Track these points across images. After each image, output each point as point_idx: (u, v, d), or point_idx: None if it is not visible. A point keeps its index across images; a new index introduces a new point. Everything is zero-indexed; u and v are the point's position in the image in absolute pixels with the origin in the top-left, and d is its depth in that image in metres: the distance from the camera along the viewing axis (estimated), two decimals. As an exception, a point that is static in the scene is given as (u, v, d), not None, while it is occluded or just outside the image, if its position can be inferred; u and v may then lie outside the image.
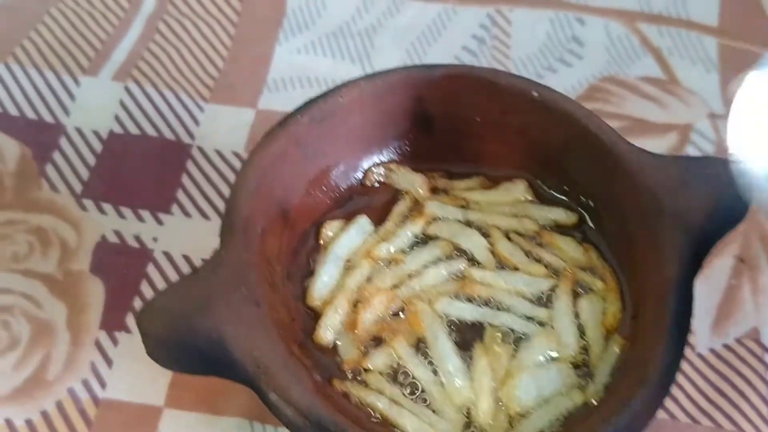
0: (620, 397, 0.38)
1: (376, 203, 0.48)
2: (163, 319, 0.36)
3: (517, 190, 0.47)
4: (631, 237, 0.44)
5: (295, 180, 0.44)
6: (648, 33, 0.72)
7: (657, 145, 0.65)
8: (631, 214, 0.44)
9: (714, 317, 0.56)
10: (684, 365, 0.54)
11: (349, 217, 0.47)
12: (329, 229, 0.46)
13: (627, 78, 0.70)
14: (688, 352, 0.55)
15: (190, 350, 0.36)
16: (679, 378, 0.54)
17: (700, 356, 0.55)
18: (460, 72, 0.46)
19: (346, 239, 0.44)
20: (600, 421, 0.37)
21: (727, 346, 0.55)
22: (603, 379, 0.42)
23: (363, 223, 0.46)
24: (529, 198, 0.48)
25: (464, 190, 0.48)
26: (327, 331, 0.41)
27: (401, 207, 0.47)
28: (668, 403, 0.53)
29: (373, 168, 0.48)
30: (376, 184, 0.48)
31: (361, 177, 0.48)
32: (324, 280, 0.42)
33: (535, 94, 0.46)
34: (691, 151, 0.66)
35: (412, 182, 0.48)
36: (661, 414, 0.52)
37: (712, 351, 0.55)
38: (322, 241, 0.46)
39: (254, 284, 0.38)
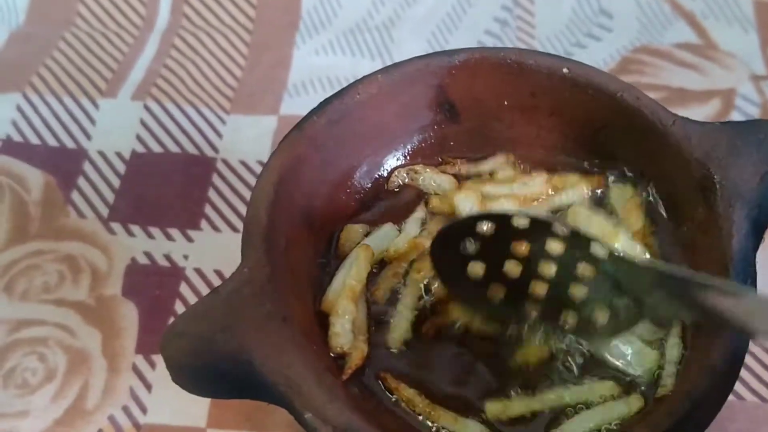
0: (686, 389, 0.35)
1: (404, 203, 0.45)
2: (185, 344, 0.34)
3: (535, 184, 0.45)
4: (685, 213, 0.41)
5: (317, 184, 0.42)
6: (679, -3, 0.69)
7: (700, 113, 0.62)
8: (681, 189, 0.41)
9: (777, 290, 0.53)
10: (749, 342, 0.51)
11: (375, 220, 0.44)
12: (350, 234, 0.44)
13: (661, 46, 0.67)
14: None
15: (216, 374, 0.35)
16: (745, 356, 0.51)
17: (766, 332, 0.52)
18: (482, 55, 0.44)
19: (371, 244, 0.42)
20: (665, 415, 0.34)
21: (793, 320, 0.52)
22: (671, 368, 0.39)
23: (387, 230, 0.44)
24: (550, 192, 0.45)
25: (490, 179, 0.45)
26: (338, 338, 0.39)
27: (419, 214, 0.45)
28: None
29: (396, 171, 0.46)
30: (396, 189, 0.46)
31: (386, 176, 0.46)
32: (334, 287, 0.40)
33: (566, 70, 0.43)
34: (736, 116, 0.62)
35: (439, 183, 0.46)
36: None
37: (778, 326, 0.52)
38: (340, 246, 0.43)
39: (279, 298, 0.36)
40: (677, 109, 0.48)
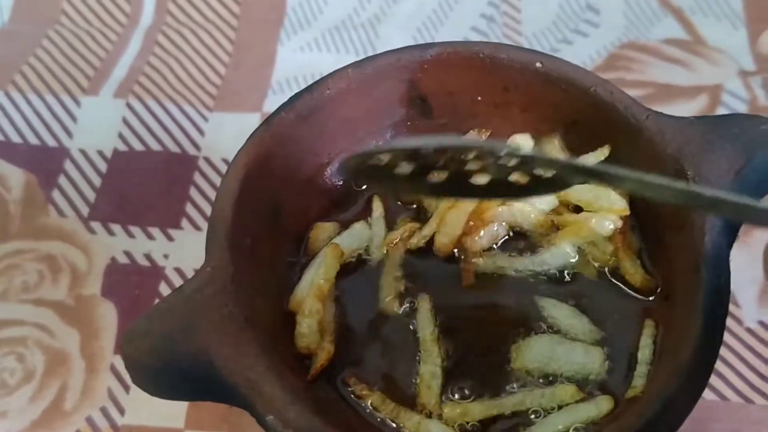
0: (656, 389, 0.34)
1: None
2: (145, 344, 0.34)
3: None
4: (658, 210, 0.41)
5: (286, 182, 0.42)
6: (667, -8, 0.68)
7: (686, 109, 0.62)
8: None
9: (760, 287, 0.52)
10: (732, 341, 0.51)
11: (345, 219, 0.44)
12: (320, 232, 0.43)
13: (648, 42, 0.66)
14: (735, 326, 0.51)
15: (177, 375, 0.34)
16: (728, 355, 0.50)
17: (749, 330, 0.51)
18: (454, 49, 0.43)
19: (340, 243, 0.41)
20: (634, 416, 0.33)
21: (777, 317, 0.51)
22: (643, 369, 0.38)
23: (358, 228, 0.43)
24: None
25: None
26: (304, 338, 0.38)
27: (378, 211, 0.44)
28: (718, 383, 0.49)
29: None
30: (363, 188, 0.45)
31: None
32: (302, 286, 0.39)
33: (539, 65, 0.42)
34: (723, 112, 0.62)
35: None
36: (710, 396, 0.49)
37: (761, 323, 0.51)
38: (310, 245, 0.43)
39: (242, 299, 0.35)
40: (663, 105, 0.47)
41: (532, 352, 0.39)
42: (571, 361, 0.39)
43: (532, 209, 0.43)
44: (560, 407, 0.38)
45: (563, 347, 0.39)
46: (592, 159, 0.43)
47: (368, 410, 0.38)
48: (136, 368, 0.35)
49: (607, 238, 0.42)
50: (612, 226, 0.42)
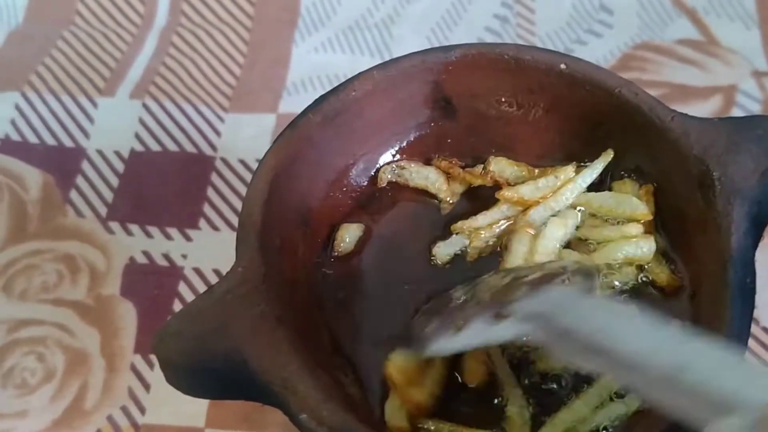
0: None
1: (398, 201, 0.45)
2: (178, 344, 0.34)
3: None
4: (683, 210, 0.41)
5: (313, 183, 0.42)
6: (681, -7, 0.69)
7: (701, 110, 0.62)
8: (680, 186, 0.41)
9: (778, 287, 0.53)
10: (750, 341, 0.51)
11: (371, 219, 0.44)
12: (346, 233, 0.43)
13: (662, 43, 0.67)
14: (753, 327, 0.51)
15: (210, 375, 0.34)
16: (746, 356, 0.50)
17: (765, 330, 0.51)
18: (479, 51, 0.43)
19: None
20: (662, 414, 0.34)
21: (795, 317, 0.51)
22: None
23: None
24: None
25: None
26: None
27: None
28: (736, 383, 0.49)
29: (383, 168, 0.45)
30: (386, 186, 0.45)
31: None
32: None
33: (563, 66, 0.43)
34: (737, 113, 0.62)
35: (426, 176, 0.45)
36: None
37: (780, 324, 0.52)
38: (336, 245, 0.43)
39: (274, 298, 0.35)
40: (678, 105, 0.47)
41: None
42: None
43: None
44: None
45: None
46: (600, 165, 0.43)
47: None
48: (170, 368, 0.35)
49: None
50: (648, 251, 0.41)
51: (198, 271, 0.56)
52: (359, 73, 0.44)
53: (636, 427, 0.36)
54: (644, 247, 0.40)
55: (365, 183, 0.45)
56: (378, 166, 0.46)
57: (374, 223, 0.44)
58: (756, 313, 0.52)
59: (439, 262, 0.43)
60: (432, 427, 0.37)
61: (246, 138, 0.63)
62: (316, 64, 0.67)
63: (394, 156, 0.46)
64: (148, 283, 0.55)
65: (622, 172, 0.44)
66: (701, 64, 0.65)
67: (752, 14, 0.68)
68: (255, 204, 0.38)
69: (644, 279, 0.41)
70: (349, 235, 0.43)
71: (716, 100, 0.63)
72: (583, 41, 0.67)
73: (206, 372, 0.34)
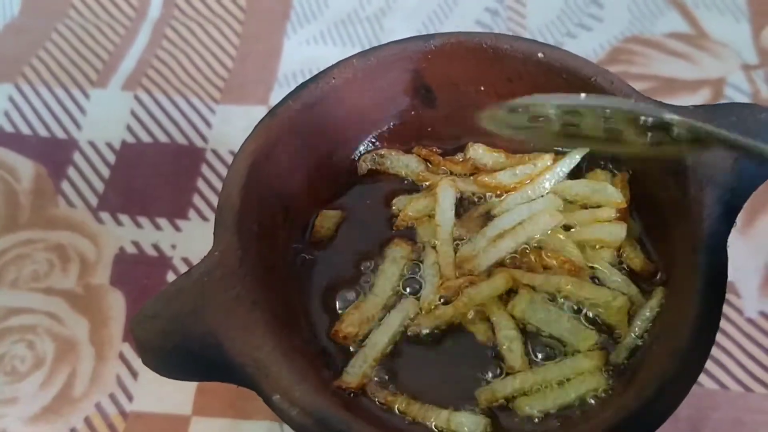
0: (654, 371, 0.35)
1: (377, 188, 0.45)
2: (155, 326, 0.35)
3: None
4: (657, 197, 0.41)
5: (293, 169, 0.42)
6: (671, -14, 0.69)
7: (688, 102, 0.61)
8: (654, 173, 0.41)
9: (763, 277, 0.53)
10: (733, 331, 0.51)
11: (349, 206, 0.44)
12: (325, 220, 0.43)
13: (652, 36, 0.67)
14: (736, 316, 0.52)
15: (187, 356, 0.35)
16: (728, 345, 0.51)
17: (750, 320, 0.52)
18: (458, 39, 0.44)
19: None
20: (632, 397, 0.34)
21: (778, 308, 0.52)
22: (630, 341, 0.39)
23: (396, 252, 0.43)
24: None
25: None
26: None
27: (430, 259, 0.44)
28: (718, 372, 0.50)
29: (362, 156, 0.46)
30: (365, 174, 0.46)
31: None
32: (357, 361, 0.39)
33: (541, 55, 0.43)
34: (725, 105, 0.62)
35: (407, 164, 0.45)
36: (710, 384, 0.49)
37: (762, 314, 0.52)
38: (315, 232, 0.43)
39: (250, 282, 0.36)
40: (666, 97, 0.47)
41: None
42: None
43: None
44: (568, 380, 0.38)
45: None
46: (578, 155, 0.44)
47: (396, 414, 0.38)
48: (146, 350, 0.35)
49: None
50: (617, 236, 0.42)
51: (187, 261, 0.56)
52: (339, 62, 0.44)
53: (605, 407, 0.36)
54: (614, 232, 0.41)
55: (344, 171, 0.46)
56: (359, 153, 0.46)
57: (353, 210, 0.45)
58: (740, 304, 0.52)
59: None
60: (399, 408, 0.38)
61: (237, 130, 0.63)
62: (308, 57, 0.67)
63: (374, 144, 0.46)
64: (138, 272, 0.56)
65: (600, 161, 0.44)
66: (690, 57, 0.65)
67: (742, 7, 0.68)
68: (233, 188, 0.38)
69: (620, 262, 0.42)
70: (327, 222, 0.44)
71: (704, 93, 0.63)
72: (573, 35, 0.68)
73: (183, 354, 0.35)
